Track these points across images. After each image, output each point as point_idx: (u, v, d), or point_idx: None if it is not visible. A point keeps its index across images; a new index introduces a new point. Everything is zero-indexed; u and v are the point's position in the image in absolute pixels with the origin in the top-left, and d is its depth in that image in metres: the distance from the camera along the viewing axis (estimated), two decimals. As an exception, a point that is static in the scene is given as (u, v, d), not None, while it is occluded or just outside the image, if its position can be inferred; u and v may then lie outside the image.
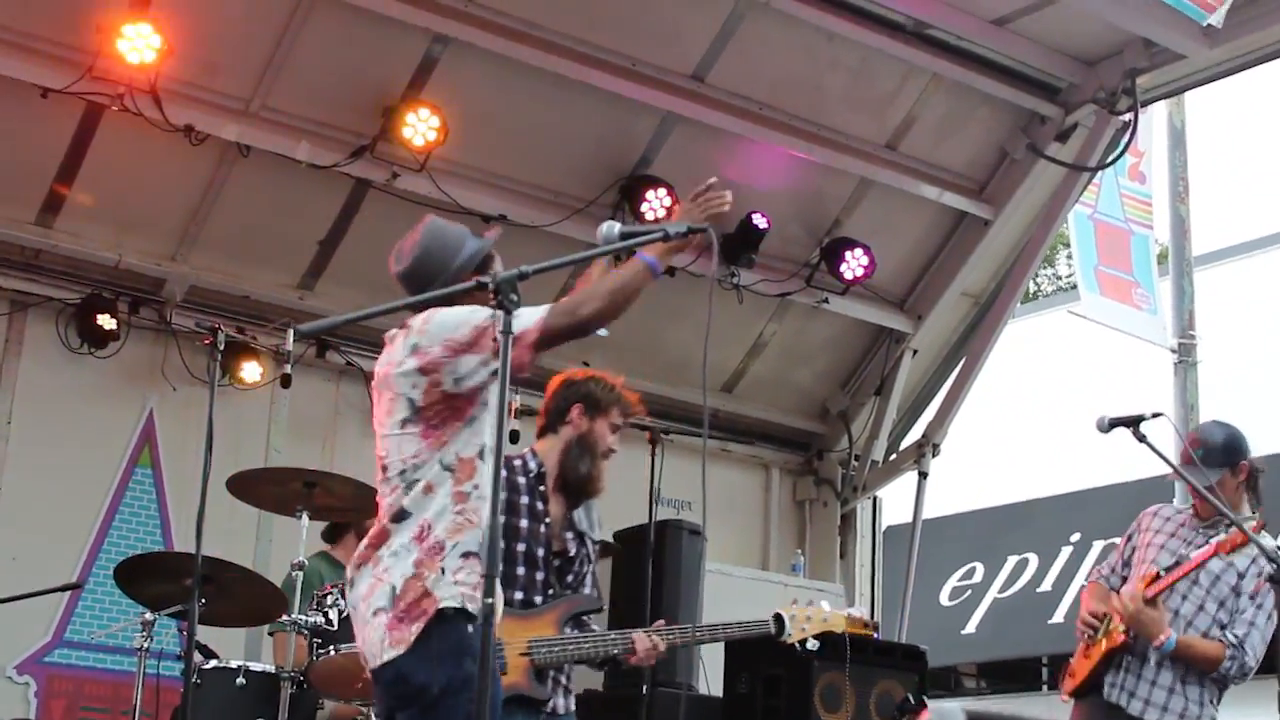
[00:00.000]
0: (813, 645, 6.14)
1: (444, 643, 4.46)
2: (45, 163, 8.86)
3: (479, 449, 4.66)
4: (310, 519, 7.03)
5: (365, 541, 4.68)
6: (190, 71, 8.51)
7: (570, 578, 5.87)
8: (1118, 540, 6.81)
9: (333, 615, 6.39)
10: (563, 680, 5.79)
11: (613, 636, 5.77)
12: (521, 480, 5.83)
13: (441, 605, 4.47)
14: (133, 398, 9.50)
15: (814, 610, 6.14)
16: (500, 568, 4.08)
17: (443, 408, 4.62)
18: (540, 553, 5.76)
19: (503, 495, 5.73)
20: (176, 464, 9.42)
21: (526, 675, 5.59)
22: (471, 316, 4.61)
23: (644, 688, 7.67)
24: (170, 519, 9.45)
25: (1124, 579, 6.56)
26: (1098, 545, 16.36)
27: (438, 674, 4.43)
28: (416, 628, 4.45)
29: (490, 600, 3.94)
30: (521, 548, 5.74)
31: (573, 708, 5.84)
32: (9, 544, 8.87)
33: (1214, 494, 6.16)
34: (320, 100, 8.96)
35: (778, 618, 6.06)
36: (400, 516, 4.59)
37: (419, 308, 4.67)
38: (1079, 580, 15.64)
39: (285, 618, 6.77)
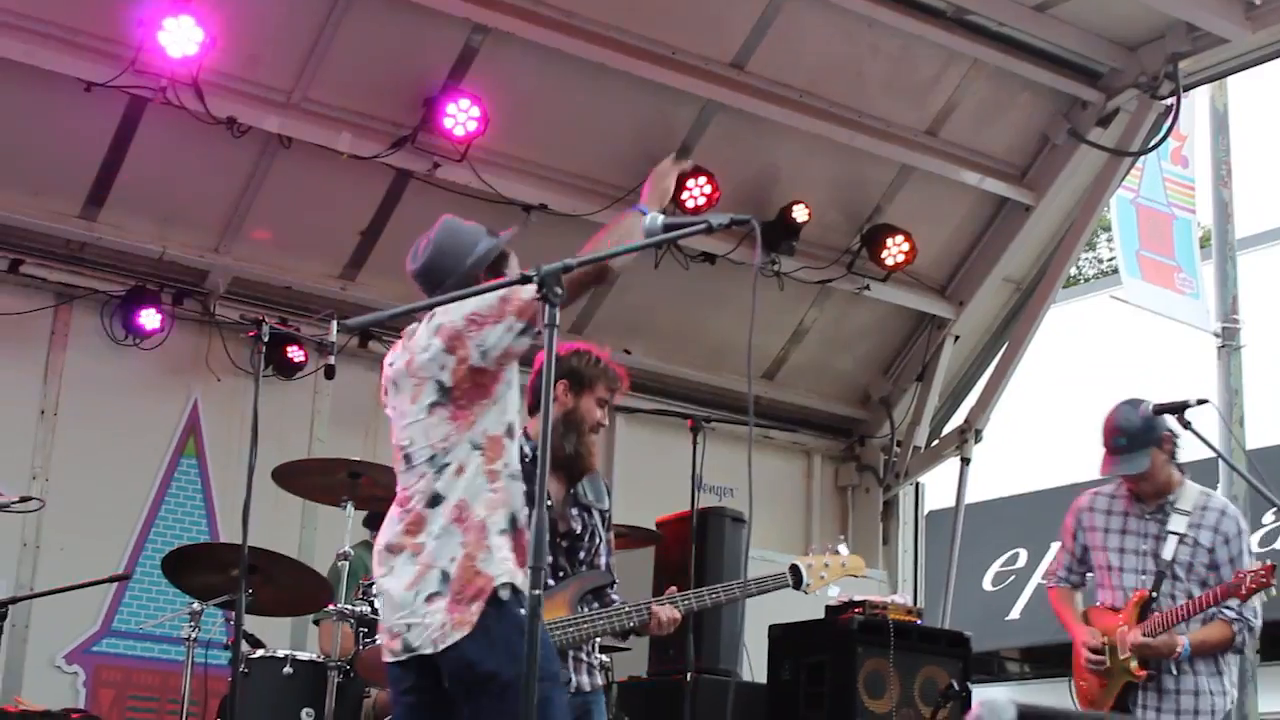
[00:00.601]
0: (833, 591, 6.14)
1: (504, 626, 4.50)
2: (89, 156, 8.92)
3: (506, 426, 4.70)
4: (355, 509, 7.07)
5: (398, 529, 4.69)
6: (232, 64, 8.55)
7: (582, 554, 5.84)
8: None
9: (378, 604, 6.40)
10: (584, 658, 5.79)
11: (626, 609, 5.75)
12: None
13: (498, 583, 4.52)
14: (177, 389, 9.56)
15: (831, 557, 6.14)
16: (546, 559, 4.07)
17: (470, 386, 4.65)
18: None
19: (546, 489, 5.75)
20: (221, 455, 9.48)
21: None
22: (498, 295, 4.63)
23: (688, 675, 7.68)
24: (216, 509, 9.51)
25: (1083, 576, 6.68)
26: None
27: (504, 661, 4.45)
28: (477, 607, 4.50)
29: (538, 592, 3.96)
30: None
31: (599, 683, 5.85)
32: (57, 535, 8.95)
33: (1257, 477, 6.19)
34: (361, 91, 8.99)
35: (794, 569, 6.06)
36: (435, 501, 4.62)
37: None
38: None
39: (331, 607, 6.82)
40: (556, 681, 4.67)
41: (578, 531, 5.86)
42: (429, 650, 4.57)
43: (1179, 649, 6.18)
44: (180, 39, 8.08)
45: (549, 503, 5.77)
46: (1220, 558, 6.32)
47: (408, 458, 4.76)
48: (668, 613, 5.77)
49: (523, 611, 4.47)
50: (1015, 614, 17.14)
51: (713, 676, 8.33)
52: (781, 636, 8.57)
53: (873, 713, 8.05)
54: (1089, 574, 6.68)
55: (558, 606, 5.70)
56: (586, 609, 5.76)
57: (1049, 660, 19.06)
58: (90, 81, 8.30)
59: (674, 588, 6.01)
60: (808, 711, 8.30)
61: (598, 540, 5.92)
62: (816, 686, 8.29)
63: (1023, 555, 17.59)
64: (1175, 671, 6.25)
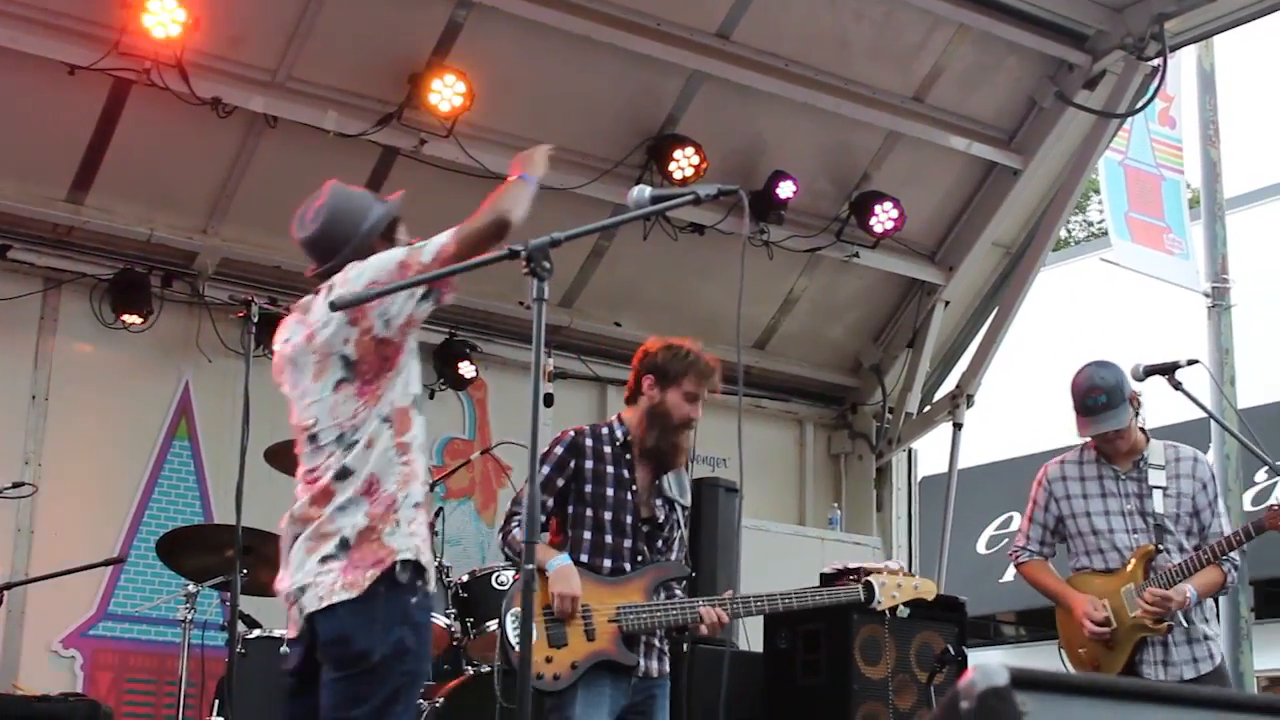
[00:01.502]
0: (903, 612, 6.14)
1: (389, 609, 4.44)
2: (74, 140, 8.90)
3: (412, 399, 4.64)
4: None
5: (304, 502, 4.61)
6: (216, 44, 8.53)
7: (660, 544, 5.92)
8: None
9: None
10: (655, 644, 5.84)
11: (699, 603, 5.77)
12: (607, 449, 5.86)
13: (400, 557, 4.45)
14: (168, 371, 9.56)
15: (904, 578, 6.10)
16: (539, 534, 4.07)
17: (375, 358, 4.58)
18: (629, 520, 5.80)
19: (588, 464, 5.78)
20: (214, 436, 9.48)
21: (614, 641, 5.65)
22: (390, 257, 4.61)
23: (685, 645, 7.70)
24: (209, 491, 9.51)
25: (1053, 547, 6.68)
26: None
27: (379, 641, 4.41)
28: (372, 574, 4.42)
29: (532, 566, 3.96)
30: (609, 515, 5.77)
31: (666, 670, 5.90)
32: (50, 520, 8.95)
33: (1249, 436, 6.22)
34: (346, 69, 8.97)
35: (868, 585, 6.02)
36: (343, 474, 4.53)
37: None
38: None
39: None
40: (417, 679, 4.59)
41: (659, 520, 5.92)
42: (313, 608, 4.48)
43: (1189, 598, 6.22)
44: (163, 20, 8.05)
45: (634, 488, 5.81)
46: (1200, 503, 6.41)
47: (314, 438, 4.66)
48: (715, 615, 5.75)
49: (414, 600, 4.48)
50: (1009, 577, 17.15)
51: (709, 646, 8.34)
52: (777, 605, 8.59)
53: (869, 679, 8.08)
54: (1058, 543, 6.70)
55: (633, 592, 5.75)
56: (658, 598, 5.80)
57: (1044, 623, 19.14)
58: (74, 65, 8.27)
59: (730, 591, 6.03)
60: (804, 679, 8.33)
61: (676, 533, 5.99)
62: (813, 654, 8.32)
63: (1016, 519, 17.57)
64: (1184, 622, 6.29)
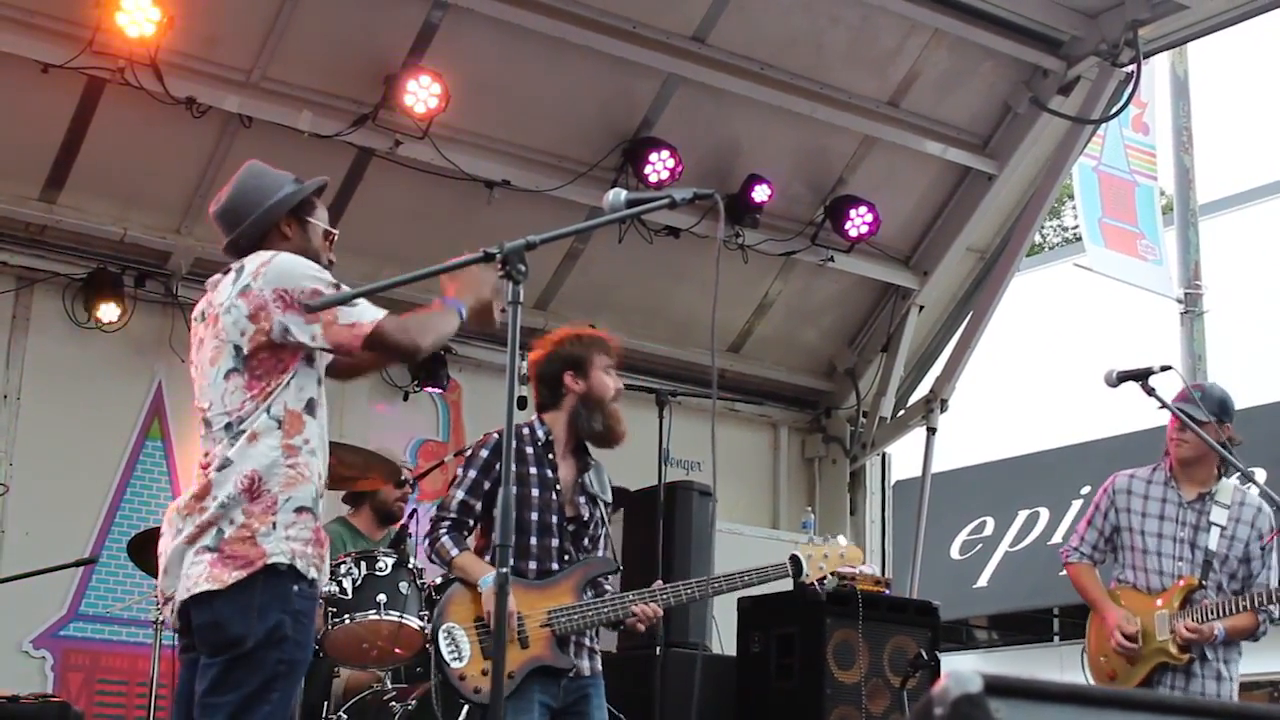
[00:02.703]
0: (830, 582, 6.18)
1: (266, 595, 4.41)
2: (48, 139, 8.86)
3: (306, 402, 4.60)
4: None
5: (190, 493, 4.59)
6: (190, 44, 8.50)
7: (586, 541, 5.92)
8: None
9: (347, 584, 6.39)
10: (586, 643, 5.84)
11: (630, 598, 5.79)
12: (530, 450, 5.85)
13: (270, 560, 4.42)
14: (141, 371, 9.52)
15: (830, 547, 6.14)
16: (513, 538, 4.06)
17: (267, 356, 4.57)
18: (554, 520, 5.81)
19: (512, 466, 5.78)
20: (187, 436, 9.44)
21: (549, 646, 5.65)
22: (305, 274, 4.59)
23: (658, 649, 7.70)
24: (182, 491, 9.44)
25: (1105, 555, 6.83)
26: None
27: (255, 626, 4.38)
28: (236, 575, 4.39)
29: (505, 570, 3.95)
30: (535, 517, 5.77)
31: (599, 668, 5.90)
32: (22, 520, 8.92)
33: (1221, 444, 6.27)
34: (321, 70, 8.95)
35: (794, 559, 6.06)
36: (224, 465, 4.51)
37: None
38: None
39: (299, 587, 6.80)
40: (295, 668, 4.53)
41: (584, 518, 5.92)
42: (182, 596, 4.47)
43: (1216, 635, 6.37)
44: (138, 19, 8.01)
45: (558, 487, 5.81)
46: (1253, 551, 6.53)
47: (206, 422, 4.67)
48: (647, 610, 5.77)
49: (296, 589, 4.46)
50: (983, 582, 17.25)
51: (682, 650, 8.35)
52: (750, 609, 8.60)
53: (842, 683, 8.08)
54: (1111, 552, 6.81)
55: (562, 593, 5.76)
56: (587, 596, 5.81)
57: (1016, 626, 19.20)
58: (47, 63, 8.23)
59: (660, 581, 6.01)
60: (777, 683, 8.34)
61: (601, 530, 6.00)
62: (786, 658, 8.33)
63: (990, 524, 17.69)
64: (1208, 657, 6.45)
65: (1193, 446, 6.51)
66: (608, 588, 5.99)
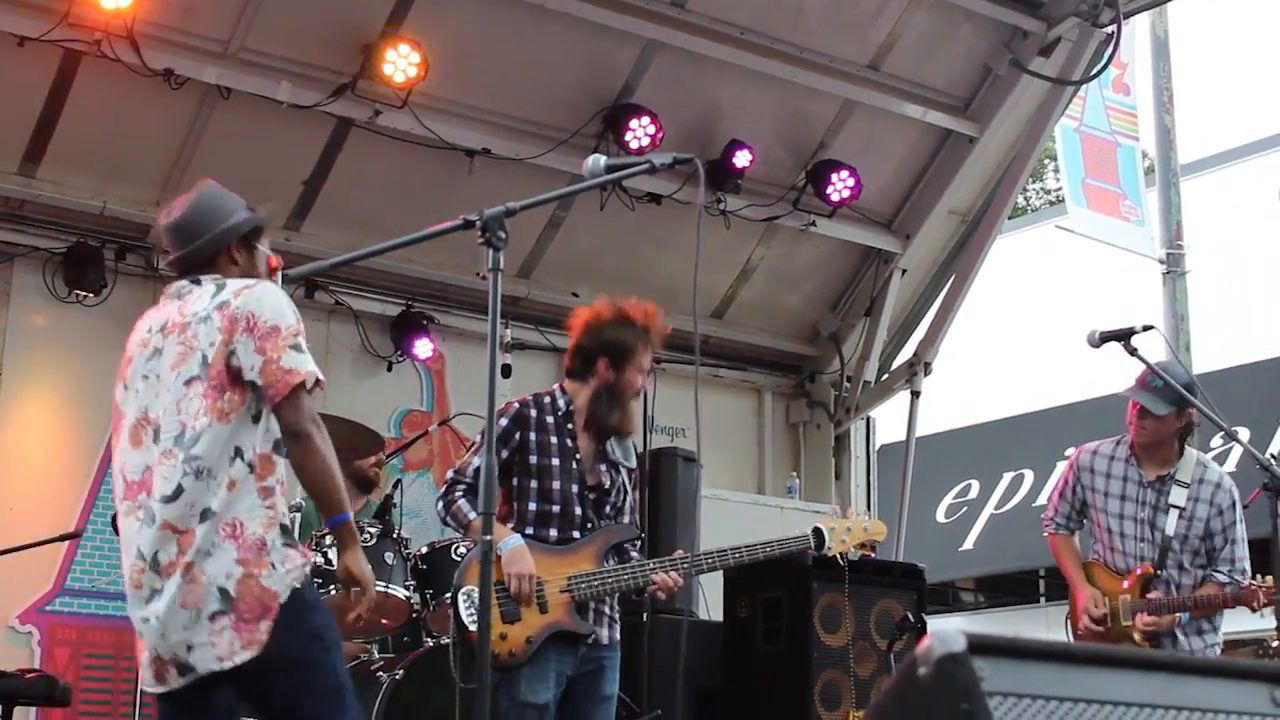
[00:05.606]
0: (854, 554, 6.19)
1: (298, 616, 4.49)
2: (25, 112, 8.81)
3: (273, 443, 4.57)
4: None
5: (169, 548, 4.47)
6: (166, 15, 8.45)
7: (608, 509, 5.95)
8: None
9: (332, 555, 6.39)
10: (606, 611, 5.87)
11: (651, 566, 5.81)
12: (550, 419, 5.87)
13: (284, 599, 4.46)
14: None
15: (854, 521, 6.16)
16: (497, 506, 4.07)
17: (225, 374, 4.52)
18: (575, 489, 5.82)
19: (533, 435, 5.79)
20: (170, 409, 9.41)
21: (567, 611, 5.68)
22: (289, 321, 4.56)
23: (644, 615, 7.71)
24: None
25: (1080, 522, 6.93)
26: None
27: (307, 642, 4.52)
28: (266, 625, 4.42)
29: (489, 537, 3.96)
30: (556, 485, 5.79)
31: (617, 637, 5.94)
32: (5, 495, 8.90)
33: (1204, 401, 6.31)
34: (299, 40, 8.91)
35: (817, 531, 6.08)
36: (205, 516, 4.44)
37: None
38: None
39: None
40: (336, 649, 4.65)
41: (605, 486, 5.94)
42: (214, 668, 4.43)
43: (1178, 620, 6.48)
44: (113, -10, 7.98)
45: (578, 456, 5.82)
46: (1214, 527, 6.57)
47: (154, 433, 4.63)
48: (668, 578, 5.78)
49: (307, 596, 4.53)
50: (969, 544, 17.29)
51: (669, 616, 8.35)
52: (737, 574, 8.60)
53: (829, 647, 8.11)
54: (1085, 521, 6.91)
55: (583, 559, 5.78)
56: (610, 563, 5.82)
57: (1002, 589, 19.26)
58: (23, 36, 8.19)
59: (680, 550, 6.04)
60: (765, 648, 8.36)
61: (624, 497, 6.01)
62: (773, 622, 8.34)
63: (975, 487, 17.72)
64: (1178, 637, 6.53)
65: (1150, 433, 6.55)
66: (634, 555, 5.99)
